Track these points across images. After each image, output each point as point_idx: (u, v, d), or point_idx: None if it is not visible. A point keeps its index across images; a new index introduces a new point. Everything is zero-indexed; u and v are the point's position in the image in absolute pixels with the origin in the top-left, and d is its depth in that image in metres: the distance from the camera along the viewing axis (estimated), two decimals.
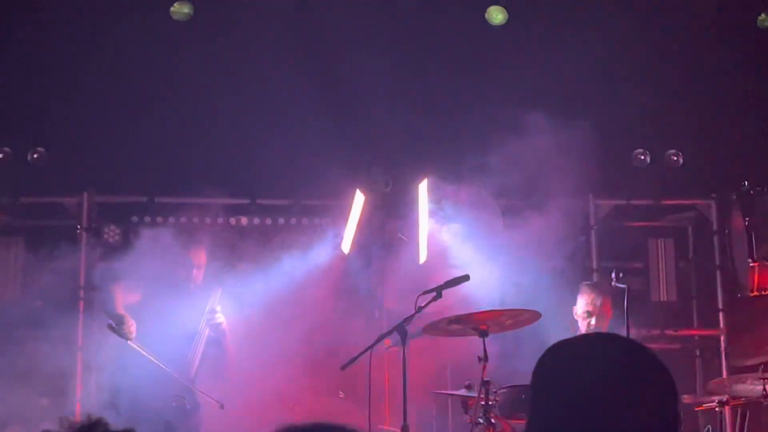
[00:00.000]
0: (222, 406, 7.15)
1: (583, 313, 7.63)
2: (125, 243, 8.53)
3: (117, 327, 7.12)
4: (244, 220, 9.32)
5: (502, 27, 9.26)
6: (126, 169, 8.87)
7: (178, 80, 8.72)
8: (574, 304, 7.73)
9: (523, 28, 9.21)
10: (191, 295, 7.46)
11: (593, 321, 7.56)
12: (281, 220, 9.30)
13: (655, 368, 2.26)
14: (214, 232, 8.53)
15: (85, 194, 9.09)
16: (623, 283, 7.21)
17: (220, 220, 9.15)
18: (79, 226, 9.03)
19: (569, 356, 2.30)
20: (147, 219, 8.81)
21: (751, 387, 7.39)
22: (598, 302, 7.60)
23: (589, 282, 8.02)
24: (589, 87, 8.67)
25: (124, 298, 7.33)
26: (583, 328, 7.64)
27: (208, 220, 9.00)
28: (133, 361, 7.07)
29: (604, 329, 7.57)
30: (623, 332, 6.93)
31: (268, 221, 9.34)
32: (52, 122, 8.85)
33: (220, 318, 7.42)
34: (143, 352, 7.06)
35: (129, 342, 7.11)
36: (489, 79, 9.00)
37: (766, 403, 7.31)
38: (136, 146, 8.77)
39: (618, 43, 8.82)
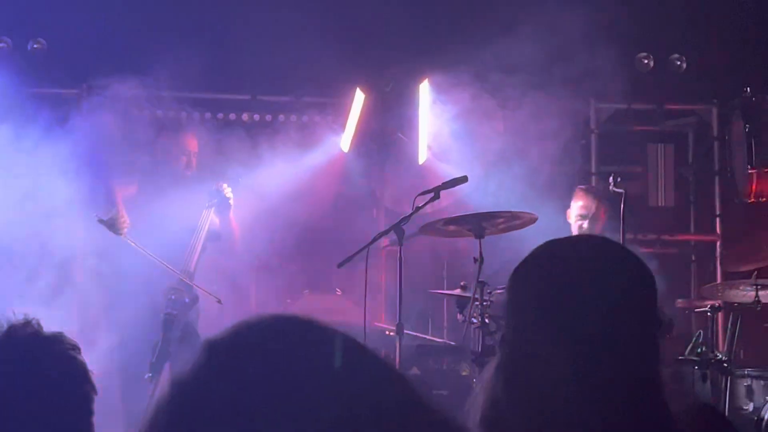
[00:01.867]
0: (219, 301, 7.21)
1: (576, 216, 7.64)
2: (121, 134, 8.49)
3: (108, 221, 7.11)
4: (245, 116, 9.29)
5: None
6: (126, 61, 8.77)
7: None
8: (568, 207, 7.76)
9: None
10: (187, 184, 7.46)
11: (585, 224, 7.57)
12: (281, 117, 9.27)
13: (635, 271, 2.22)
14: (213, 127, 8.51)
15: (84, 86, 9.03)
16: (621, 188, 7.22)
17: (219, 115, 9.12)
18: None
19: (547, 260, 2.25)
20: (146, 113, 8.75)
21: (744, 293, 7.46)
22: (593, 207, 7.60)
23: (584, 186, 8.01)
24: None
25: (122, 191, 7.34)
26: (575, 231, 7.66)
27: (207, 114, 8.96)
28: (129, 256, 7.10)
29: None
30: (619, 237, 6.97)
31: (269, 117, 9.30)
32: (51, 12, 8.75)
33: (229, 193, 7.43)
34: (137, 247, 7.07)
35: (121, 236, 7.12)
36: None
37: (758, 309, 7.39)
38: (136, 38, 8.67)
39: None
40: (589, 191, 7.77)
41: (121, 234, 7.12)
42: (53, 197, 7.47)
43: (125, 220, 7.14)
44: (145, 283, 7.02)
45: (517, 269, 2.25)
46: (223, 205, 7.44)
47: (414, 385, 1.42)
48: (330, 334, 1.42)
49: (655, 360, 2.20)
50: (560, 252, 2.28)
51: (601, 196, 7.59)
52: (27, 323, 2.36)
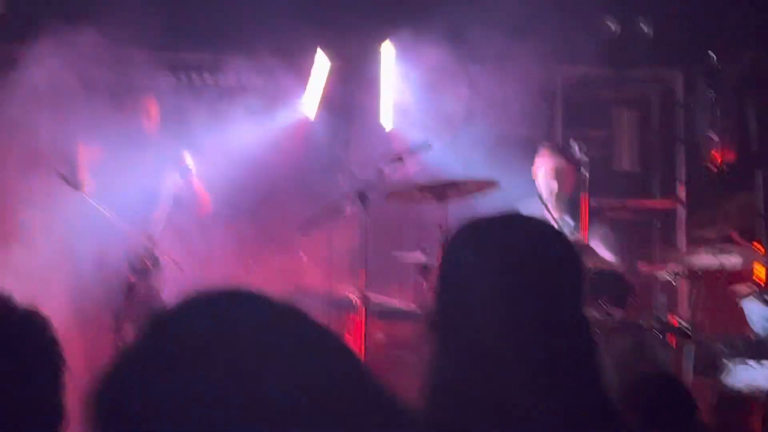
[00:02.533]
0: (182, 269, 7.16)
1: (545, 174, 7.66)
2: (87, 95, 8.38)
3: (71, 178, 7.00)
4: (206, 78, 9.19)
5: None
6: (88, 19, 8.61)
7: None
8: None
9: None
10: (147, 147, 7.38)
11: (555, 183, 7.61)
12: (244, 79, 9.17)
13: (567, 253, 2.28)
14: (172, 89, 8.40)
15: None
16: (585, 152, 7.23)
17: (181, 76, 9.01)
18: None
19: (477, 236, 2.30)
20: (106, 73, 8.61)
21: (707, 259, 7.50)
22: (561, 164, 7.63)
23: (549, 143, 7.99)
24: None
25: (88, 154, 7.26)
26: (543, 189, 7.68)
27: (167, 75, 8.85)
28: (91, 219, 7.02)
29: (563, 196, 7.64)
30: (584, 202, 6.99)
31: (231, 80, 9.20)
32: None
33: (190, 161, 7.35)
34: (99, 207, 6.99)
35: (83, 194, 7.00)
36: None
37: (719, 275, 7.44)
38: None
39: None
40: (555, 149, 7.78)
41: (81, 190, 7.01)
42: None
43: (88, 177, 7.05)
44: (106, 246, 6.96)
45: (452, 240, 2.33)
46: (184, 174, 7.36)
47: (362, 365, 1.41)
48: (275, 306, 1.40)
49: (586, 332, 2.25)
50: (490, 227, 2.33)
51: (568, 156, 7.60)
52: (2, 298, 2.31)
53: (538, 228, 2.36)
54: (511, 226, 2.35)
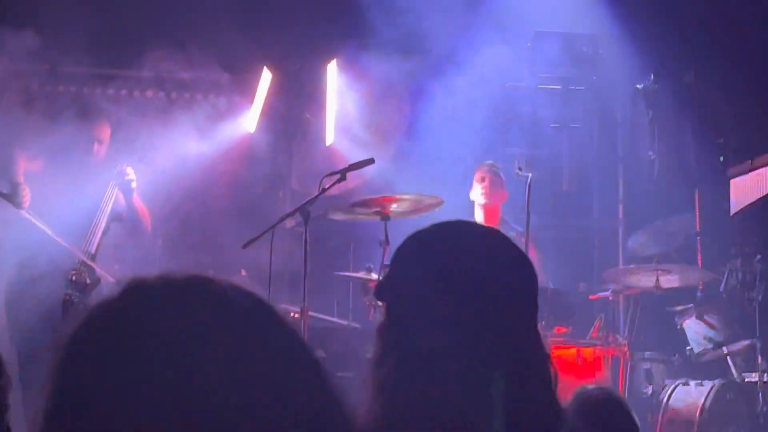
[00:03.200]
0: (119, 282, 7.05)
1: (481, 193, 7.75)
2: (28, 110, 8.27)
3: (9, 194, 6.89)
4: (149, 93, 9.12)
5: None
6: (29, 34, 8.52)
7: None
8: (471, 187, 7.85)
9: None
10: (93, 169, 7.29)
11: (490, 201, 7.72)
12: (187, 95, 9.13)
13: (513, 260, 2.28)
14: (119, 106, 8.33)
15: None
16: (526, 172, 7.27)
17: (123, 92, 8.93)
18: None
19: (425, 244, 2.30)
20: (48, 88, 8.54)
21: (644, 278, 7.58)
22: (497, 183, 7.74)
23: (487, 162, 8.05)
24: None
25: (26, 164, 7.14)
26: (480, 208, 7.78)
27: (110, 91, 8.78)
28: (29, 235, 6.91)
29: (497, 217, 7.72)
30: (524, 221, 7.03)
31: (174, 95, 9.15)
32: None
33: (131, 175, 7.25)
34: (38, 223, 6.88)
35: (21, 211, 6.90)
36: None
37: (657, 293, 7.52)
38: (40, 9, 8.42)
39: None
40: (492, 168, 7.86)
41: (22, 208, 6.91)
42: None
43: (27, 193, 6.92)
44: (44, 263, 6.86)
45: (400, 249, 2.30)
46: (125, 188, 7.26)
47: (320, 364, 1.39)
48: (236, 294, 1.37)
49: (537, 342, 2.25)
50: (442, 235, 2.32)
51: (499, 174, 7.73)
52: None
53: (488, 235, 2.35)
54: (461, 233, 2.34)
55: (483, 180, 7.82)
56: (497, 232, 2.37)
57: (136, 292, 1.36)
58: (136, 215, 7.41)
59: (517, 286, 2.25)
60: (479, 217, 7.85)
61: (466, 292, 2.18)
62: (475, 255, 2.25)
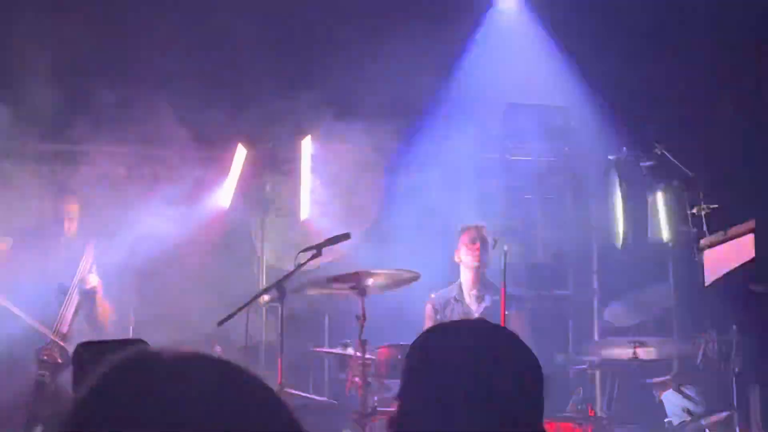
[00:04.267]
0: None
1: (467, 252, 7.77)
2: None
3: None
4: (122, 171, 9.09)
5: None
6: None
7: (75, 29, 8.40)
8: (456, 249, 7.85)
9: None
10: (64, 247, 7.24)
11: (478, 257, 7.73)
12: (162, 171, 9.10)
13: (526, 359, 2.32)
14: (91, 182, 8.30)
15: None
16: (502, 244, 7.27)
17: (98, 170, 8.90)
18: None
19: (444, 341, 2.36)
20: (17, 165, 8.49)
21: (622, 350, 7.55)
22: (485, 237, 7.76)
23: (477, 225, 8.04)
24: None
25: None
26: (469, 266, 7.77)
27: (83, 168, 8.74)
28: (2, 314, 6.83)
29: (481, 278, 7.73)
30: (499, 292, 7.02)
31: (147, 170, 9.13)
32: None
33: (93, 281, 7.17)
34: (6, 305, 6.81)
35: None
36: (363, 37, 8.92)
37: (635, 365, 7.49)
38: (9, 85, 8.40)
39: None
40: (481, 231, 7.86)
41: None
42: None
43: None
44: (15, 343, 6.77)
45: (415, 353, 2.40)
46: (88, 296, 7.18)
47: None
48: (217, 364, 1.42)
49: None
50: (456, 337, 2.41)
51: (488, 237, 7.73)
52: None
53: (504, 338, 2.40)
54: (478, 334, 2.40)
55: (473, 242, 7.80)
56: (514, 336, 2.41)
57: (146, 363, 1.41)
58: (98, 321, 7.32)
59: (527, 391, 2.32)
60: (466, 278, 7.85)
61: (478, 392, 2.24)
62: (490, 357, 2.32)
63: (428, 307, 7.87)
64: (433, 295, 7.91)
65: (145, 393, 1.35)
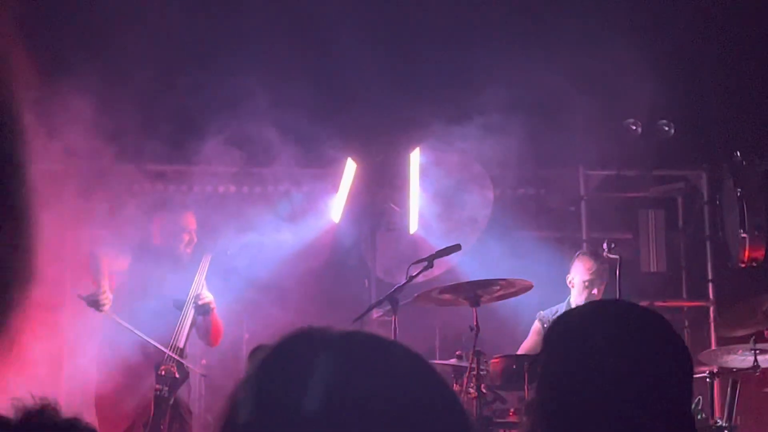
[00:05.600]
0: (205, 376, 7.11)
1: (583, 282, 7.56)
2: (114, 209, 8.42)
3: (87, 297, 6.95)
4: (232, 189, 9.24)
5: None
6: (116, 133, 8.67)
7: (172, 47, 8.56)
8: (568, 272, 7.67)
9: None
10: (181, 262, 7.35)
11: (595, 291, 7.53)
12: (271, 188, 9.22)
13: (672, 339, 2.26)
14: (204, 200, 8.44)
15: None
16: (615, 254, 7.17)
17: (209, 188, 9.06)
18: None
19: (581, 322, 2.31)
20: (136, 187, 8.68)
21: (741, 358, 7.38)
22: (600, 270, 7.55)
23: (586, 251, 7.95)
24: (580, 55, 8.57)
25: (111, 264, 7.21)
26: (582, 297, 7.57)
27: (196, 187, 8.91)
28: (119, 331, 6.95)
29: (599, 297, 7.55)
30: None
31: (259, 189, 9.26)
32: None
33: (207, 297, 7.26)
34: (121, 322, 6.93)
35: (102, 312, 6.95)
36: (479, 48, 8.89)
37: (756, 374, 7.31)
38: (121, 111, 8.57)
39: (609, 10, 8.74)
40: (592, 255, 7.70)
41: (102, 311, 6.96)
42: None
43: (107, 295, 6.96)
44: (134, 357, 6.90)
45: (552, 334, 2.37)
46: (204, 311, 7.27)
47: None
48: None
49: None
50: (595, 318, 2.37)
51: (603, 260, 7.51)
52: (44, 408, 2.25)
53: (651, 321, 2.36)
54: (622, 317, 2.36)
55: (591, 270, 7.59)
56: (658, 317, 2.37)
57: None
58: (211, 337, 7.40)
59: (670, 370, 2.27)
60: (576, 301, 7.71)
61: (615, 378, 2.22)
62: (628, 338, 2.28)
63: (536, 324, 7.77)
64: (542, 312, 7.79)
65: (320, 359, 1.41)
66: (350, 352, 1.43)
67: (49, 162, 8.39)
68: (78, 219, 7.77)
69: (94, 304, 6.94)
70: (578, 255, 7.77)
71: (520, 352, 7.36)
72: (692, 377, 2.31)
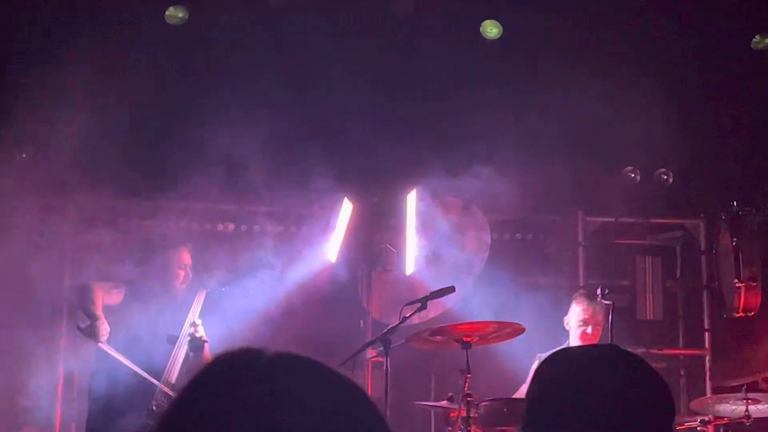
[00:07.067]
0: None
1: (578, 322, 7.57)
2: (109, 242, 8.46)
3: (86, 328, 6.98)
4: (231, 226, 9.27)
5: (496, 41, 9.21)
6: (113, 169, 8.73)
7: (170, 84, 8.65)
8: (565, 314, 7.69)
9: (517, 42, 9.18)
10: (176, 298, 7.38)
11: (589, 330, 7.53)
12: (268, 227, 9.25)
13: (654, 383, 2.30)
14: (200, 238, 8.48)
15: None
16: (609, 299, 7.19)
17: (207, 225, 9.10)
18: None
19: (569, 365, 2.35)
20: (134, 221, 8.73)
21: (734, 407, 7.38)
22: (597, 312, 7.56)
23: (584, 292, 7.96)
24: (580, 104, 8.61)
25: (105, 298, 7.23)
26: (577, 337, 7.59)
27: (194, 224, 8.95)
28: (113, 364, 6.97)
29: (596, 340, 7.55)
30: None
31: (256, 227, 9.30)
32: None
33: (200, 332, 7.28)
34: (116, 355, 6.94)
35: (99, 344, 6.97)
36: (478, 95, 8.94)
37: (747, 423, 7.30)
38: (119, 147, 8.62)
39: (609, 60, 8.82)
40: (588, 296, 7.71)
41: (99, 342, 6.97)
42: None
43: (106, 327, 6.99)
44: (126, 390, 6.90)
45: (540, 377, 2.42)
46: (196, 345, 7.28)
47: None
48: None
49: None
50: (583, 363, 2.44)
51: (599, 302, 7.51)
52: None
53: (635, 366, 2.41)
54: (608, 361, 2.42)
55: (586, 311, 7.58)
56: (644, 363, 2.40)
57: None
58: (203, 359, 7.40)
59: (650, 413, 2.33)
60: (573, 343, 7.70)
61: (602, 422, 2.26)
62: (615, 383, 2.35)
63: (535, 364, 7.78)
64: (541, 355, 7.78)
65: (244, 388, 1.37)
66: (274, 379, 1.39)
67: (44, 196, 8.50)
68: (73, 252, 7.82)
69: (93, 335, 6.96)
70: (574, 297, 7.81)
71: (518, 395, 7.36)
72: (673, 421, 2.34)
